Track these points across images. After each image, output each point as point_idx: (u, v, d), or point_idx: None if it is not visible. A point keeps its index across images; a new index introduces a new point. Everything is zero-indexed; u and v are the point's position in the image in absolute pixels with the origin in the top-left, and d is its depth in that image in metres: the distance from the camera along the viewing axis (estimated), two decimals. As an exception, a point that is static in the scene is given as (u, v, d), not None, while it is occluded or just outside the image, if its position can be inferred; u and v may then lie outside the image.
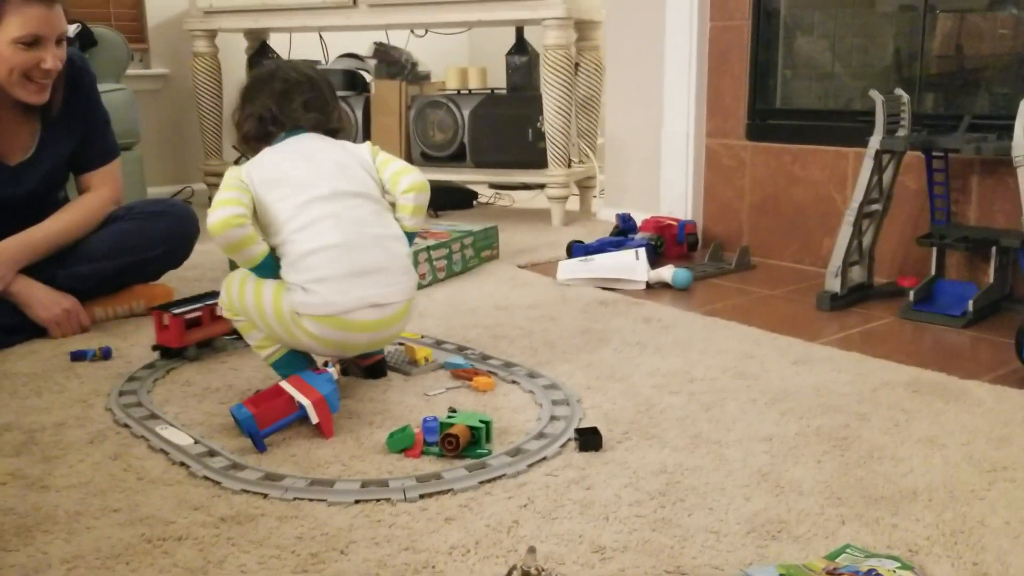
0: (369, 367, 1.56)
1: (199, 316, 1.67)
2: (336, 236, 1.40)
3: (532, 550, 0.89)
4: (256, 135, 1.52)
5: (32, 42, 1.67)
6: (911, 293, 1.97)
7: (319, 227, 1.40)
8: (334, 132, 1.56)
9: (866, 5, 2.45)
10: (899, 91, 2.05)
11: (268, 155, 1.48)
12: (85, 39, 2.87)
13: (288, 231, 1.41)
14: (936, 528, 1.04)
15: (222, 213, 1.37)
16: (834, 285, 2.02)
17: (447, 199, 3.42)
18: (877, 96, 1.98)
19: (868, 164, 1.98)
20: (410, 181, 1.50)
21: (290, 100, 1.51)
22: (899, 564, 0.94)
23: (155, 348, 1.66)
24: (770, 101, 2.58)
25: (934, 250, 2.04)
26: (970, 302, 1.88)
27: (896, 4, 2.37)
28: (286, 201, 1.42)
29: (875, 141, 1.98)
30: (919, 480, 1.16)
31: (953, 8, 2.24)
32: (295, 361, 1.48)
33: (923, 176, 2.09)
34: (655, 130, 2.83)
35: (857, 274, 2.09)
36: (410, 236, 1.53)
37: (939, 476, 1.17)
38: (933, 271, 2.04)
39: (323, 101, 1.54)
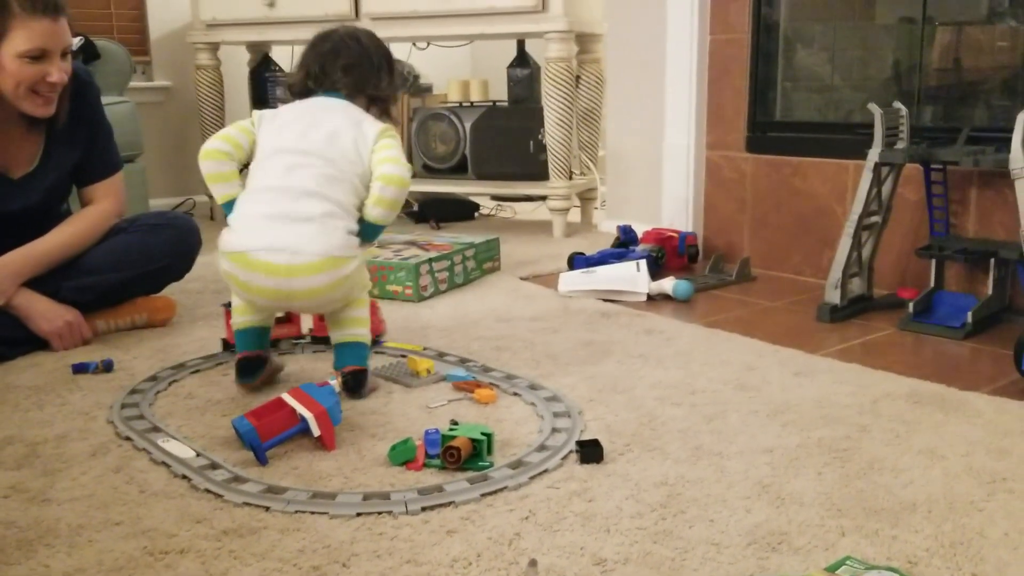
0: (347, 379, 1.49)
1: None
2: (269, 181, 1.46)
3: (534, 563, 0.90)
4: (299, 89, 1.59)
5: (38, 56, 1.68)
6: (911, 305, 1.97)
7: (266, 171, 1.48)
8: (377, 100, 1.59)
9: (865, 18, 2.47)
10: (898, 104, 2.06)
11: (290, 104, 1.58)
12: (88, 52, 2.89)
13: (252, 166, 1.51)
14: (935, 539, 1.04)
15: (210, 144, 1.51)
16: (834, 297, 2.02)
17: (449, 211, 3.43)
18: (876, 109, 1.99)
19: (867, 176, 1.99)
20: (383, 171, 1.49)
21: (334, 61, 1.56)
22: (899, 576, 0.94)
23: (223, 341, 1.77)
24: (770, 113, 2.60)
25: (933, 262, 2.05)
26: (969, 314, 1.88)
27: (895, 17, 2.38)
28: (266, 143, 1.51)
29: (874, 153, 1.99)
30: (919, 491, 1.16)
31: (952, 21, 2.25)
32: (247, 337, 1.53)
33: (922, 188, 2.10)
34: (656, 142, 2.84)
35: (857, 286, 2.09)
36: (370, 229, 1.50)
37: (939, 487, 1.17)
38: (932, 283, 2.05)
39: (366, 67, 1.57)
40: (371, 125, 1.54)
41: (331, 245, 1.43)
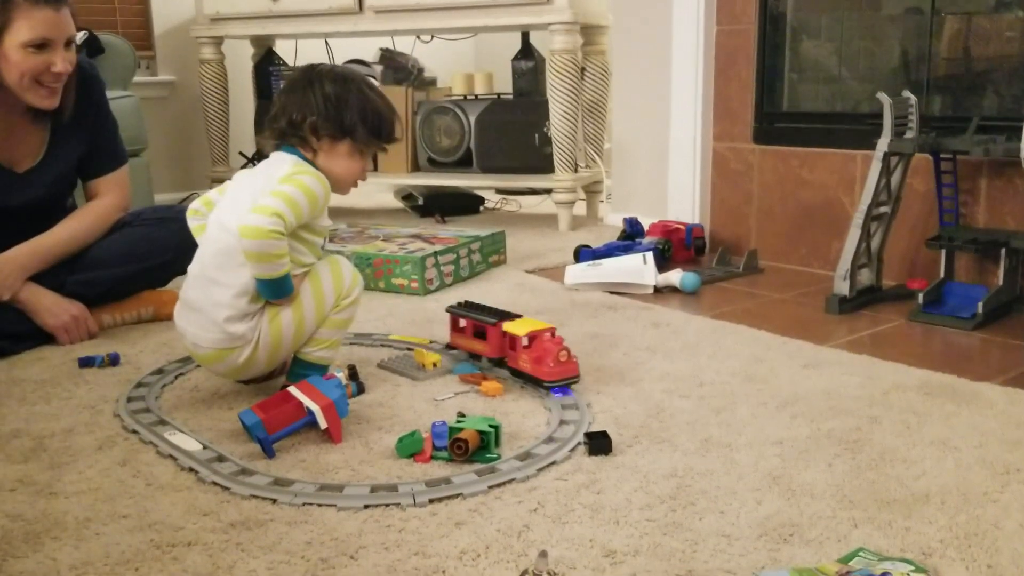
0: (353, 371, 1.53)
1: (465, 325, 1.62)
2: (193, 262, 1.47)
3: (544, 554, 0.89)
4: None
5: (41, 45, 1.67)
6: (920, 296, 1.96)
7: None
8: (310, 138, 1.45)
9: (873, 8, 2.44)
10: (907, 93, 2.04)
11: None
12: (92, 46, 2.89)
13: None
14: (949, 531, 1.03)
15: (191, 204, 1.55)
16: (843, 288, 2.01)
17: (454, 204, 3.42)
18: (885, 98, 1.97)
19: (876, 167, 1.98)
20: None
21: (269, 114, 1.50)
22: (913, 567, 0.93)
23: (448, 347, 1.69)
24: (777, 104, 2.58)
25: (943, 252, 2.03)
26: (980, 304, 1.87)
27: (903, 7, 2.37)
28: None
29: (883, 143, 1.97)
30: (932, 483, 1.15)
31: (960, 10, 2.23)
32: None
33: (931, 178, 2.08)
34: (662, 134, 2.82)
35: (866, 277, 2.08)
36: (259, 287, 1.39)
37: (952, 479, 1.16)
38: (942, 273, 2.03)
39: (290, 108, 1.45)
40: (282, 170, 1.42)
41: (214, 338, 1.41)
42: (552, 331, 1.50)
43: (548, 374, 1.44)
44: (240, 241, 1.36)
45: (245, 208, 1.38)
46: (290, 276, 1.41)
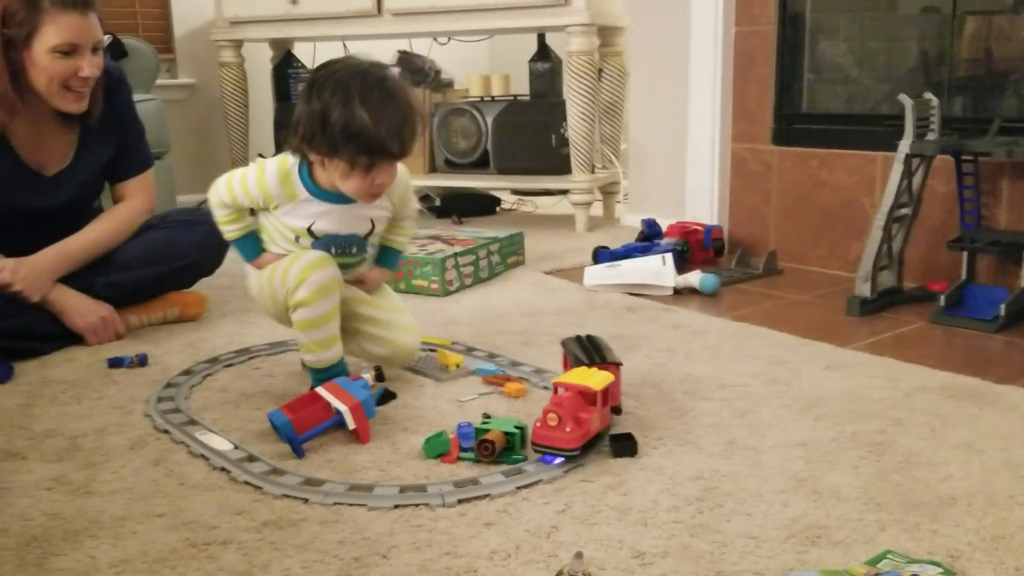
0: (379, 372, 1.57)
1: None
2: None
3: (579, 555, 0.90)
4: None
5: (69, 51, 1.69)
6: (942, 297, 1.96)
7: None
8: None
9: (892, 8, 2.44)
10: (928, 94, 2.04)
11: None
12: (115, 50, 2.92)
13: None
14: (977, 534, 1.03)
15: None
16: (864, 290, 2.01)
17: (470, 206, 3.43)
18: (907, 100, 1.97)
19: (897, 168, 1.98)
20: None
21: None
22: (941, 570, 0.94)
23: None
24: (796, 105, 2.58)
25: (964, 254, 2.03)
26: (1002, 306, 1.87)
27: (922, 7, 2.36)
28: None
29: (905, 145, 1.97)
30: (957, 485, 1.15)
31: (980, 10, 2.23)
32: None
33: (952, 180, 2.08)
34: (679, 135, 2.83)
35: (887, 279, 2.08)
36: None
37: (977, 481, 1.16)
38: (964, 275, 2.03)
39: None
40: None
41: None
42: (582, 391, 1.25)
43: (534, 433, 1.24)
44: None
45: None
46: (243, 244, 1.55)
